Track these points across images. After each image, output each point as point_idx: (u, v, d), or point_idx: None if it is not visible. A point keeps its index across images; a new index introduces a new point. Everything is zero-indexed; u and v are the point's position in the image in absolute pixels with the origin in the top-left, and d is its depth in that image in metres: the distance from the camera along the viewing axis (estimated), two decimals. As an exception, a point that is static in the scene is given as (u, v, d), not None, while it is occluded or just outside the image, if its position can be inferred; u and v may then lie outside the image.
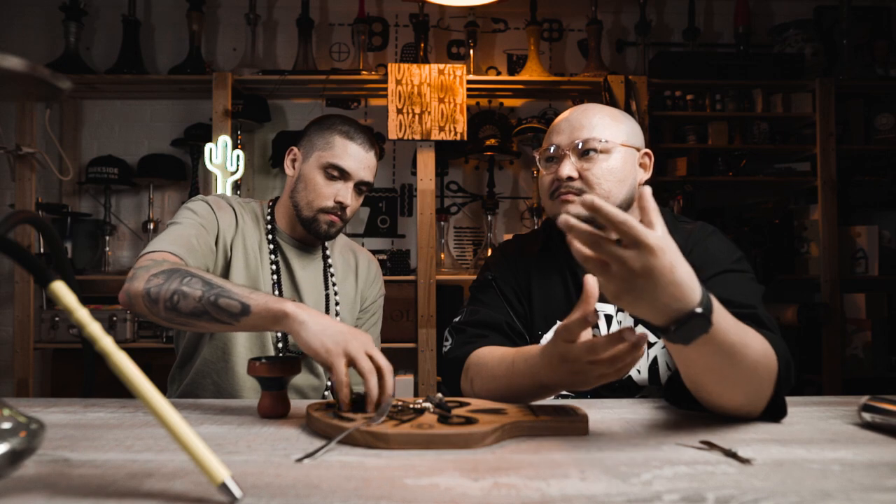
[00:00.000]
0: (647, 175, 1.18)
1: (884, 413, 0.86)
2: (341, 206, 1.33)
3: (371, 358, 0.91)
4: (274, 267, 1.36)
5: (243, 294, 0.99)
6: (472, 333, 1.15)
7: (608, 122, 1.14)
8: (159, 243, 1.19)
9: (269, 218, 1.40)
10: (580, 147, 1.11)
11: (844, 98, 2.95)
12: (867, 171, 3.03)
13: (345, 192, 1.32)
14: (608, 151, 1.12)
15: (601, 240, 0.67)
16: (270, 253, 1.37)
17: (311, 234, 1.36)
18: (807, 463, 0.72)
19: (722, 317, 0.76)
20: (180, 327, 1.07)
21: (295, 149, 1.39)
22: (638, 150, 1.17)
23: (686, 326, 0.71)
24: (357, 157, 1.33)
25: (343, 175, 1.32)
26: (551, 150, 1.15)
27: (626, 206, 1.15)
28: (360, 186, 1.35)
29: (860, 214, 3.03)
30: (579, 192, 1.11)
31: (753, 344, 0.82)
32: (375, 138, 1.39)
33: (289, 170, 1.39)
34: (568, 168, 1.10)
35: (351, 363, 0.91)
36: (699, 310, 0.71)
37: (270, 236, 1.38)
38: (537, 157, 1.19)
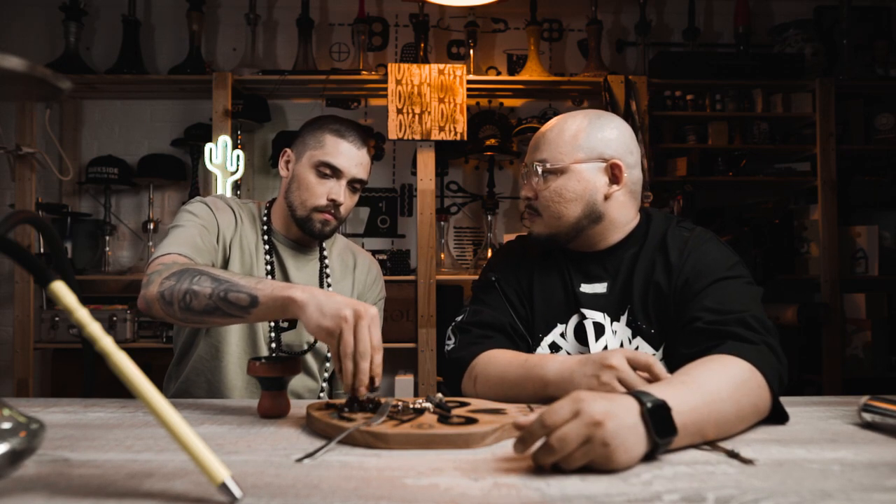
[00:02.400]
0: (618, 186, 1.14)
1: (884, 413, 0.86)
2: (335, 204, 1.33)
3: (361, 335, 0.89)
4: (269, 267, 1.37)
5: (250, 286, 0.99)
6: (478, 334, 1.15)
7: (565, 138, 1.14)
8: (167, 247, 1.21)
9: (265, 219, 1.41)
10: (534, 168, 1.15)
11: (844, 98, 2.95)
12: (867, 171, 3.03)
13: (337, 190, 1.33)
14: (557, 172, 1.13)
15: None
16: (266, 253, 1.37)
17: (305, 233, 1.37)
18: (807, 463, 0.72)
19: (684, 400, 0.76)
20: (198, 325, 1.08)
21: (288, 150, 1.40)
22: (606, 161, 1.13)
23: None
24: (349, 155, 1.33)
25: (335, 173, 1.33)
26: (523, 170, 1.21)
27: (586, 221, 1.14)
28: (353, 184, 1.36)
29: (860, 214, 3.03)
30: (536, 212, 1.17)
31: (734, 395, 0.83)
32: (368, 136, 1.39)
33: (283, 171, 1.40)
34: (527, 189, 1.18)
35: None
36: (649, 403, 0.70)
37: (266, 237, 1.39)
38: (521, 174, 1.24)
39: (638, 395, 0.72)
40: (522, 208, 1.21)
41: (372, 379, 0.90)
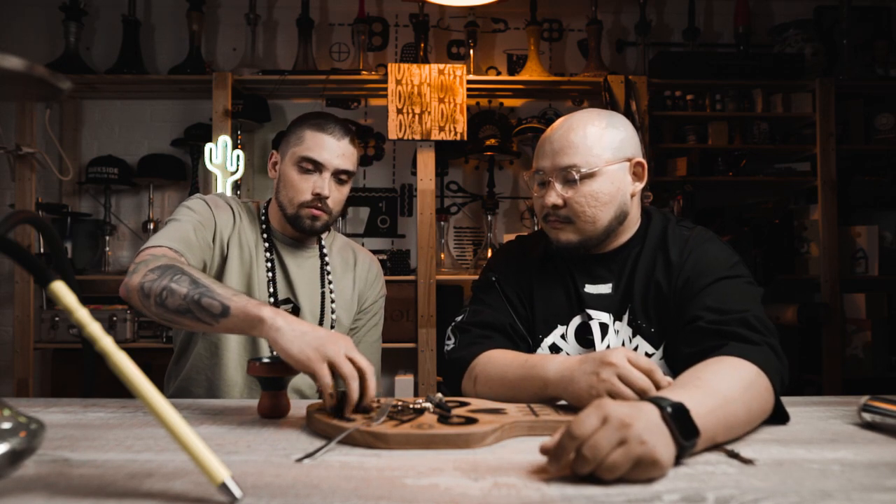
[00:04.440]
0: (641, 184, 1.15)
1: (884, 413, 0.86)
2: (320, 198, 1.33)
3: (352, 361, 0.90)
4: (269, 265, 1.37)
5: (225, 295, 0.99)
6: (477, 334, 1.15)
7: (591, 140, 1.11)
8: (159, 239, 1.22)
9: (263, 217, 1.42)
10: (562, 174, 1.12)
11: (844, 98, 2.94)
12: (867, 171, 3.03)
13: (321, 184, 1.32)
14: (591, 176, 1.11)
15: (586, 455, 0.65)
16: (266, 251, 1.38)
17: (297, 231, 1.37)
18: (807, 463, 0.72)
19: (701, 402, 0.75)
20: (169, 324, 1.09)
21: (274, 152, 1.42)
22: (629, 160, 1.14)
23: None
24: (329, 147, 1.33)
25: (317, 167, 1.33)
26: (538, 175, 1.16)
27: (616, 223, 1.14)
28: (339, 176, 1.35)
29: (860, 214, 3.03)
30: (566, 219, 1.13)
31: (744, 398, 0.83)
32: (351, 128, 1.38)
33: (271, 173, 1.41)
34: (553, 197, 1.12)
35: (332, 368, 0.90)
36: (669, 409, 0.69)
37: (266, 235, 1.40)
38: (526, 178, 1.20)
39: (655, 401, 0.70)
40: (540, 216, 1.17)
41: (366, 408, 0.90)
